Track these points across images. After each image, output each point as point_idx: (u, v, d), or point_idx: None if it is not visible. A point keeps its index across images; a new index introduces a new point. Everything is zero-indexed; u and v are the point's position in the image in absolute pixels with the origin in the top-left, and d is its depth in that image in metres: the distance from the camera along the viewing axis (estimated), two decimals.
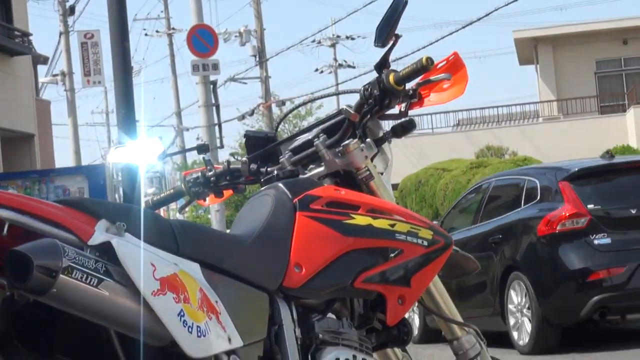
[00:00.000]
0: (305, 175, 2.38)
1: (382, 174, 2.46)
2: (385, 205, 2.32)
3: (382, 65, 2.38)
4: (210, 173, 2.59)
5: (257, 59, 27.04)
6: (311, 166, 2.42)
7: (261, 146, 2.56)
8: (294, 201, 2.18)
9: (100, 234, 1.66)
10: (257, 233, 2.11)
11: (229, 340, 1.83)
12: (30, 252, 1.51)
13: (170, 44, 38.41)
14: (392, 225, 2.24)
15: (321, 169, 2.38)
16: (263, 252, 2.08)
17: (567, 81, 29.79)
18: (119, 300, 1.64)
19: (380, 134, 2.45)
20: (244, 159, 2.56)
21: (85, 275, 1.57)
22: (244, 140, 2.79)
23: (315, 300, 2.21)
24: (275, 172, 2.41)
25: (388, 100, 2.33)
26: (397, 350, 2.51)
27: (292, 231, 2.15)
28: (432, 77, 2.35)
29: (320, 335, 2.15)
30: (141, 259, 1.70)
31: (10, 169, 17.63)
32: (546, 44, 30.83)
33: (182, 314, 1.70)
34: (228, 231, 2.44)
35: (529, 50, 31.29)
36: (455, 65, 2.39)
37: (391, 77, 2.29)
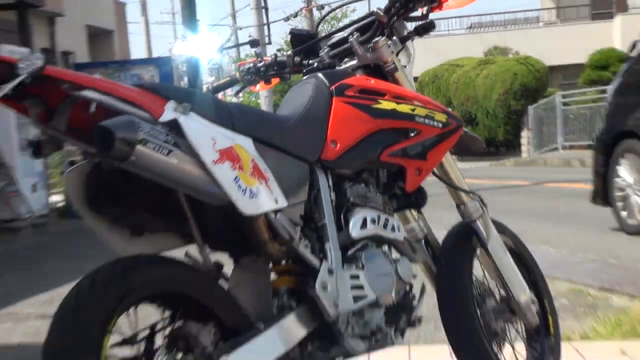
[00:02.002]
0: (341, 67, 2.33)
1: (405, 67, 2.39)
2: (408, 93, 2.26)
3: None
4: (260, 64, 2.52)
5: None
6: (346, 59, 2.35)
7: (303, 42, 2.49)
8: (331, 89, 2.13)
9: (169, 113, 1.65)
10: (300, 114, 2.09)
11: (276, 201, 1.81)
12: (113, 126, 1.52)
13: None
14: (413, 110, 2.21)
15: (354, 62, 2.30)
16: (305, 130, 2.06)
17: None
18: (185, 167, 1.63)
19: (405, 33, 2.36)
20: (289, 52, 2.49)
21: (157, 146, 1.57)
22: (289, 37, 2.65)
23: (347, 170, 2.17)
24: (316, 64, 2.37)
25: (412, 3, 2.27)
26: (414, 211, 2.47)
27: (329, 113, 2.11)
28: None
29: (351, 199, 2.14)
30: (206, 132, 1.70)
31: (95, 59, 17.44)
32: None
33: (237, 179, 1.69)
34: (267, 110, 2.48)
35: None
36: None
37: None
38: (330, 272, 1.93)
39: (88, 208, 1.72)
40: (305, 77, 2.25)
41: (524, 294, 2.48)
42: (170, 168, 1.58)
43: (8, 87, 1.51)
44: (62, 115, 1.60)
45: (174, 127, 1.60)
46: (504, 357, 2.43)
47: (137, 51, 60.35)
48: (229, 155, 1.69)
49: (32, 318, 4.95)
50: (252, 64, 2.50)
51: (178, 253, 1.86)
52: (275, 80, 2.55)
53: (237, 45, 3.99)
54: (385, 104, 2.12)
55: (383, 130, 2.14)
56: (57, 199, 11.70)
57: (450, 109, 2.36)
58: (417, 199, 2.30)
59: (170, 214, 1.78)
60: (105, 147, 1.49)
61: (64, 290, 1.84)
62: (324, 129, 2.04)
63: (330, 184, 2.05)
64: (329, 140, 2.04)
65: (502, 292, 2.52)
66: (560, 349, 2.63)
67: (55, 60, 14.90)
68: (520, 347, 2.53)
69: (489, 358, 2.34)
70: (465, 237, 2.44)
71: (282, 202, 1.80)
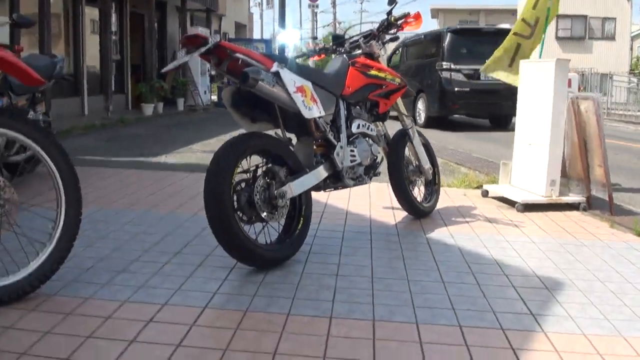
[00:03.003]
0: (355, 53, 3.83)
1: (383, 55, 3.94)
2: (384, 68, 3.79)
3: (389, 13, 3.86)
4: (318, 47, 3.99)
5: None
6: (357, 50, 3.87)
7: (337, 40, 3.99)
8: (350, 62, 3.62)
9: (274, 67, 2.87)
10: (335, 72, 3.51)
11: (320, 112, 3.10)
12: (249, 71, 2.70)
13: None
14: (385, 76, 3.74)
15: (360, 51, 3.85)
16: (337, 80, 3.45)
17: None
18: (281, 93, 2.87)
19: (385, 39, 3.92)
20: (331, 44, 3.98)
21: (268, 82, 2.78)
22: (330, 37, 4.30)
23: (353, 100, 3.58)
24: (342, 50, 3.86)
25: (388, 28, 3.89)
26: (381, 123, 3.99)
27: (347, 73, 3.55)
28: (409, 20, 3.83)
29: (353, 114, 3.59)
30: (291, 78, 2.94)
31: (237, 37, 25.85)
32: None
33: (304, 101, 2.96)
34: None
35: None
36: (418, 16, 3.83)
37: (392, 19, 3.84)
38: (341, 147, 3.35)
39: (232, 107, 2.98)
40: (337, 55, 3.79)
41: (426, 164, 4.26)
42: (274, 93, 2.82)
43: (204, 49, 2.71)
44: (225, 64, 2.78)
45: (277, 75, 2.85)
46: (416, 194, 4.23)
47: (256, 34, 69.12)
48: (300, 89, 2.94)
49: (199, 152, 7.72)
50: (314, 47, 4.02)
51: (271, 132, 3.19)
52: (322, 55, 4.03)
53: (304, 54, 4.16)
54: (373, 72, 3.65)
55: (371, 84, 3.64)
56: (214, 97, 18.86)
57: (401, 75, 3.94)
58: (384, 117, 3.88)
59: (269, 113, 3.04)
60: (244, 80, 2.67)
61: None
62: (344, 80, 3.49)
63: (344, 107, 3.46)
64: (346, 86, 3.47)
65: (416, 163, 4.25)
66: (439, 191, 4.56)
67: (225, 36, 22.91)
68: (422, 190, 4.39)
69: (409, 193, 4.09)
70: (402, 136, 4.06)
71: (322, 112, 3.10)
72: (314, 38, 12.28)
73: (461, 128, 13.38)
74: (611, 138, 12.78)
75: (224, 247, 2.88)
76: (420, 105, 13.11)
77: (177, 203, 4.52)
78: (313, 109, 3.05)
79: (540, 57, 5.59)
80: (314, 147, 3.35)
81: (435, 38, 13.42)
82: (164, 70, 3.12)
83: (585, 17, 32.02)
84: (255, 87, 2.75)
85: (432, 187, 4.48)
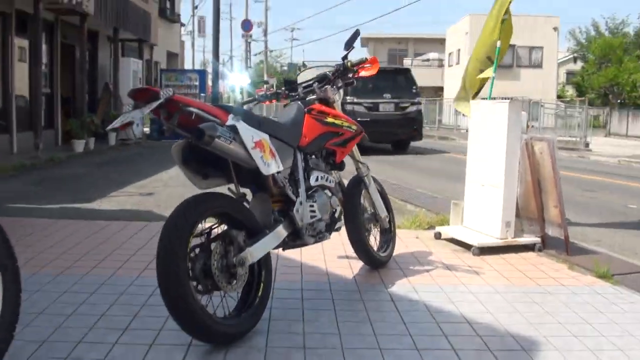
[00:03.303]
0: (308, 99, 3.65)
1: (337, 100, 3.81)
2: (340, 114, 3.68)
3: (345, 57, 3.72)
4: (269, 92, 3.78)
5: None
6: (310, 95, 3.69)
7: (290, 85, 3.84)
8: (305, 110, 3.45)
9: (230, 121, 2.69)
10: (291, 122, 3.33)
11: (278, 167, 2.89)
12: (205, 128, 2.53)
13: None
14: (341, 123, 3.63)
15: (314, 96, 3.67)
16: (293, 130, 3.29)
17: None
18: (239, 150, 2.68)
19: (339, 85, 3.78)
20: (283, 88, 3.81)
21: (225, 139, 2.59)
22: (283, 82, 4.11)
23: (310, 151, 3.42)
24: (297, 96, 3.68)
25: (347, 72, 3.74)
26: (337, 172, 3.80)
27: (303, 122, 3.38)
28: (365, 65, 3.74)
29: (311, 165, 3.42)
30: (249, 133, 2.74)
31: (169, 67, 25.52)
32: None
33: (262, 157, 2.78)
34: (275, 118, 3.50)
35: None
36: (375, 60, 3.76)
37: (349, 64, 3.71)
38: (300, 203, 3.19)
39: (182, 164, 2.79)
40: (292, 102, 3.59)
41: (383, 212, 4.13)
42: (231, 150, 2.64)
43: (155, 104, 2.50)
44: (176, 117, 2.57)
45: (233, 129, 2.66)
46: (372, 243, 4.07)
47: (188, 62, 68.84)
48: (258, 144, 2.77)
49: (135, 194, 7.29)
50: (264, 92, 3.80)
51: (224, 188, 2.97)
52: (274, 101, 3.85)
53: (255, 99, 3.84)
54: (329, 119, 3.53)
55: (327, 132, 3.52)
56: (146, 129, 18.49)
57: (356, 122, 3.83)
58: (340, 166, 3.75)
59: (222, 168, 2.86)
60: (199, 137, 2.51)
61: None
62: (301, 130, 3.33)
63: (302, 158, 3.32)
64: (303, 135, 3.32)
65: (372, 210, 4.12)
66: (395, 238, 4.38)
67: (156, 66, 22.64)
68: (377, 238, 4.25)
69: (367, 244, 3.95)
70: (358, 183, 3.95)
71: (281, 167, 2.93)
72: (265, 82, 11.77)
73: (366, 151, 13.73)
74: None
75: (179, 323, 2.59)
76: None
77: (118, 262, 4.15)
78: (271, 165, 2.86)
79: (490, 95, 5.53)
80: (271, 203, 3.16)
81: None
82: (109, 128, 2.80)
83: (513, 46, 33.03)
84: (211, 145, 2.55)
85: (388, 235, 4.31)
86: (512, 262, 4.53)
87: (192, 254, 2.63)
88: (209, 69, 33.67)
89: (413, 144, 16.50)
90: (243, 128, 2.73)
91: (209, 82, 20.95)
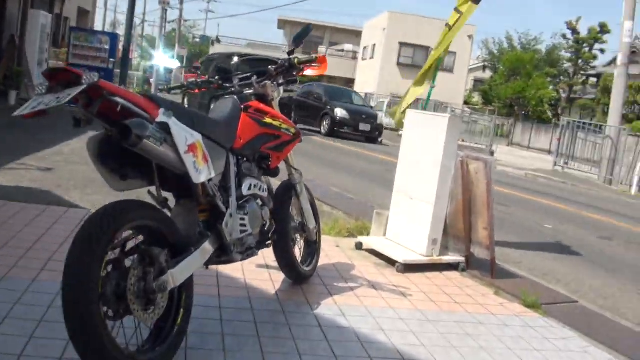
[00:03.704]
0: (245, 92, 3.25)
1: (275, 98, 3.41)
2: (278, 115, 3.26)
3: (291, 53, 3.37)
4: (199, 80, 3.34)
5: None
6: (247, 89, 3.29)
7: (224, 73, 3.44)
8: (241, 107, 3.05)
9: (161, 117, 2.27)
10: (225, 120, 2.91)
11: (210, 173, 2.52)
12: (132, 125, 2.11)
13: None
14: (280, 125, 3.24)
15: (251, 91, 3.27)
16: (227, 130, 2.86)
17: None
18: (168, 153, 2.28)
19: (280, 81, 3.41)
20: (217, 78, 3.38)
21: (155, 140, 2.19)
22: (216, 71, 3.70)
23: (244, 154, 3.03)
24: (233, 89, 3.28)
25: (292, 70, 3.36)
26: (269, 177, 3.37)
27: (239, 121, 2.97)
28: (314, 64, 3.33)
29: (244, 171, 3.02)
30: (182, 133, 2.35)
31: (78, 25, 23.51)
32: None
33: (195, 162, 2.40)
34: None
35: None
36: (324, 60, 3.34)
37: (296, 60, 3.33)
38: (230, 215, 2.80)
39: (98, 161, 2.33)
40: (227, 97, 3.17)
41: (312, 223, 3.80)
42: (161, 153, 2.25)
43: (77, 91, 2.03)
44: (96, 105, 2.13)
45: (164, 126, 2.26)
46: (298, 252, 3.74)
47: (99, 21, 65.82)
48: (192, 148, 2.38)
49: (34, 169, 6.30)
50: (194, 79, 3.39)
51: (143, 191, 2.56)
52: (204, 89, 3.38)
53: (183, 86, 3.18)
54: (267, 119, 3.14)
55: (264, 134, 3.12)
56: None
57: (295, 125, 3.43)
58: (275, 172, 3.31)
59: (143, 169, 2.43)
60: (125, 136, 2.10)
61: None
62: (236, 129, 2.92)
63: (235, 162, 2.91)
64: (238, 137, 2.92)
65: (300, 220, 3.75)
66: (320, 251, 4.01)
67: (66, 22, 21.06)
68: (301, 249, 3.86)
69: (293, 258, 3.61)
70: (288, 190, 3.60)
71: (213, 174, 2.55)
72: (196, 68, 11.19)
73: None
74: None
75: (82, 356, 2.12)
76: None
77: (11, 259, 3.52)
78: (203, 172, 2.48)
79: (426, 106, 5.31)
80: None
81: (229, 57, 17.94)
82: (17, 113, 2.24)
83: (427, 48, 33.56)
84: (139, 147, 2.16)
85: (313, 247, 3.98)
86: (438, 283, 4.36)
87: (103, 272, 2.17)
88: (119, 31, 32.18)
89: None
90: (176, 127, 2.34)
91: (120, 47, 19.69)
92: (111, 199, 2.36)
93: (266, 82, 3.32)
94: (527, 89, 33.30)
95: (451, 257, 4.82)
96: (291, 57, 3.36)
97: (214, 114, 3.01)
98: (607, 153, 15.91)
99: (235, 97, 3.14)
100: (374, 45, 36.02)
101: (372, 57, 36.11)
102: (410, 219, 4.82)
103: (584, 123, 19.26)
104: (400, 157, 5.02)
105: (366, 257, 4.81)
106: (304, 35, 3.37)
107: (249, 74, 3.37)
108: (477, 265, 4.80)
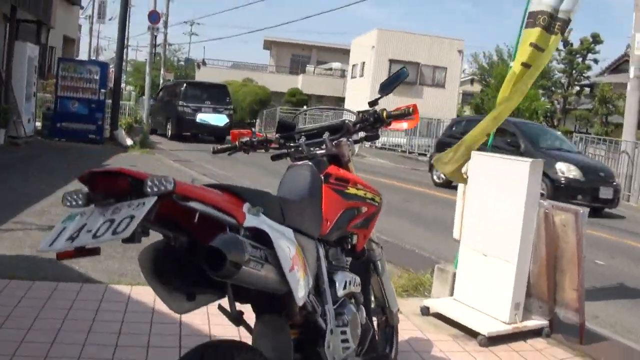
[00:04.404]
0: (312, 153, 2.49)
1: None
2: (361, 181, 2.50)
3: (374, 103, 2.61)
4: (254, 138, 2.67)
5: None
6: (315, 148, 2.52)
7: (287, 129, 2.63)
8: (321, 176, 2.33)
9: (250, 219, 1.62)
10: (308, 199, 2.18)
11: (309, 284, 1.90)
12: (224, 248, 1.46)
13: None
14: (365, 194, 2.48)
15: (322, 151, 2.50)
16: (313, 214, 2.18)
17: None
18: (269, 276, 1.66)
19: (358, 138, 2.67)
20: (277, 135, 2.64)
21: (255, 264, 1.57)
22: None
23: (331, 239, 2.32)
24: (300, 148, 2.50)
25: (378, 124, 2.55)
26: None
27: (321, 198, 2.26)
28: (408, 118, 2.52)
29: (332, 262, 2.32)
30: (284, 244, 1.71)
31: (64, 55, 22.84)
32: None
33: (299, 279, 1.77)
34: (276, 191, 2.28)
35: None
36: (417, 110, 2.50)
37: (384, 114, 2.52)
38: (331, 332, 2.11)
39: (155, 278, 1.68)
40: (299, 163, 2.43)
41: (395, 305, 3.02)
42: (259, 278, 1.63)
43: (144, 211, 1.33)
44: (153, 211, 1.37)
45: (256, 233, 1.62)
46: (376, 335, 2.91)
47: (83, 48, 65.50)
48: (295, 261, 1.78)
49: (34, 228, 5.48)
50: (248, 137, 2.69)
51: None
52: (261, 150, 2.71)
53: (230, 148, 2.54)
54: (351, 190, 2.42)
55: (350, 208, 2.39)
56: (38, 124, 16.08)
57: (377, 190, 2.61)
58: (361, 255, 2.60)
59: (216, 285, 1.73)
60: (217, 267, 1.46)
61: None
62: (321, 210, 2.22)
63: (324, 254, 2.21)
64: (324, 220, 2.22)
65: (381, 301, 2.96)
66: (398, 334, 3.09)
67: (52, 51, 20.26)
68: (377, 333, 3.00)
69: (374, 339, 2.77)
70: (367, 266, 2.83)
71: (311, 282, 1.95)
72: (250, 124, 8.87)
73: (188, 140, 21.22)
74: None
75: None
76: (169, 126, 21.47)
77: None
78: (305, 286, 1.85)
79: (489, 146, 4.63)
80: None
81: (178, 85, 22.57)
82: (43, 247, 1.38)
83: (418, 64, 33.13)
84: (235, 277, 1.53)
85: (391, 330, 3.17)
86: (526, 356, 3.72)
87: None
88: (102, 57, 31.16)
89: None
90: (276, 235, 1.71)
91: (111, 76, 19.02)
92: (128, 265, 1.69)
93: (341, 139, 2.58)
94: (520, 101, 32.86)
95: (535, 322, 4.13)
96: (378, 109, 2.57)
97: (290, 189, 2.30)
98: (623, 169, 15.30)
99: (311, 163, 2.42)
100: (363, 63, 35.43)
101: (361, 75, 35.51)
102: (485, 278, 4.12)
103: (599, 138, 18.54)
104: (466, 207, 4.33)
105: (438, 326, 4.11)
106: (396, 82, 2.63)
107: (317, 129, 2.64)
108: (559, 327, 4.14)
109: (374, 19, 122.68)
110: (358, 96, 34.73)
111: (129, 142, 16.07)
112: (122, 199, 1.39)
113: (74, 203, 1.43)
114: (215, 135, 21.49)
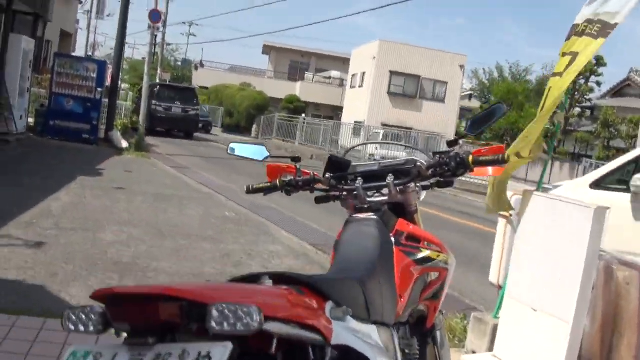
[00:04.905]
0: (372, 200, 2.06)
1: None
2: (434, 240, 2.06)
3: (454, 143, 2.17)
4: (299, 178, 2.20)
5: None
6: (375, 193, 2.09)
7: (338, 168, 2.17)
8: (391, 236, 1.91)
9: (339, 333, 1.31)
10: (379, 274, 1.74)
11: None
12: None
13: None
14: (437, 256, 2.03)
15: (384, 198, 2.06)
16: (391, 295, 1.76)
17: None
18: None
19: (429, 184, 2.18)
20: (327, 175, 2.17)
21: None
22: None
23: (403, 321, 1.91)
24: (356, 192, 2.05)
25: (461, 170, 2.05)
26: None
27: (394, 266, 1.83)
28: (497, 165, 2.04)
29: (406, 350, 1.89)
30: None
31: (60, 50, 22.50)
32: None
33: None
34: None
35: None
36: (506, 158, 2.00)
37: (470, 158, 2.01)
38: None
39: None
40: (362, 216, 2.00)
41: None
42: None
43: None
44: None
45: (340, 346, 1.32)
46: None
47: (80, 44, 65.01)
48: None
49: (21, 243, 4.94)
50: (292, 177, 2.25)
51: None
52: (307, 190, 2.25)
53: (281, 157, 2.14)
54: (423, 252, 1.97)
55: (422, 276, 1.95)
56: (30, 120, 15.41)
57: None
58: (431, 334, 2.16)
59: None
60: None
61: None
62: (394, 285, 1.79)
63: (398, 342, 1.78)
64: (398, 296, 1.79)
65: None
66: None
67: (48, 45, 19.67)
68: None
69: None
70: (425, 337, 2.24)
71: None
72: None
73: (162, 134, 23.54)
74: (465, 217, 12.02)
75: None
76: (141, 122, 20.57)
77: None
78: None
79: (540, 185, 4.13)
80: None
81: (152, 86, 22.75)
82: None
83: (418, 77, 32.77)
84: None
85: None
86: None
87: None
88: (98, 53, 30.37)
89: None
90: (370, 351, 1.42)
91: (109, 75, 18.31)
92: None
93: (409, 185, 2.10)
94: (519, 120, 32.53)
95: None
96: (463, 153, 2.09)
97: (359, 257, 1.80)
98: None
99: (376, 217, 1.95)
100: (364, 73, 35.02)
101: (361, 86, 35.08)
102: (534, 336, 3.62)
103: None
104: (515, 253, 3.83)
105: None
106: (491, 119, 2.13)
107: (378, 170, 2.15)
108: None
109: (373, 30, 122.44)
110: (357, 106, 34.37)
111: (124, 144, 15.49)
112: (164, 334, 0.98)
113: (81, 328, 0.97)
114: (184, 131, 25.43)
